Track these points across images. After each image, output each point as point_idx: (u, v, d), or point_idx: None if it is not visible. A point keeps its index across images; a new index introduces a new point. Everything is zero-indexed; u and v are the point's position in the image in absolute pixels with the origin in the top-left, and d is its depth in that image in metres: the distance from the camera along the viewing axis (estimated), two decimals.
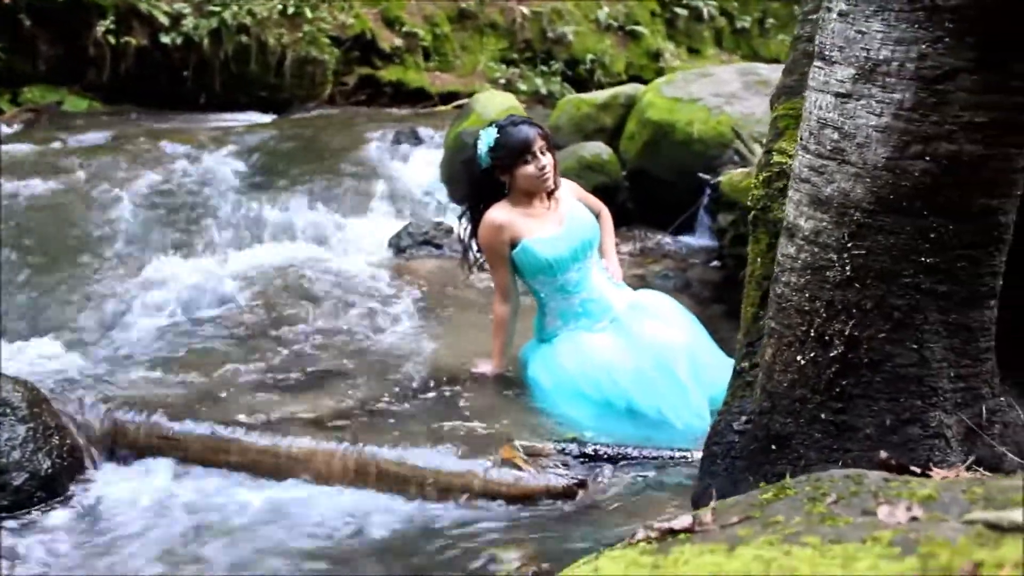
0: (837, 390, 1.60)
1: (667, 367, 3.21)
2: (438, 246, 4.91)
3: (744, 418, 2.04)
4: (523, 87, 7.85)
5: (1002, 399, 1.60)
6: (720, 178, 4.61)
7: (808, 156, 1.59)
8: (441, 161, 5.93)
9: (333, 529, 2.57)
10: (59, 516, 2.48)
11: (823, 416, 1.62)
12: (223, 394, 3.07)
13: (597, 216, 3.64)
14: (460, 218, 3.45)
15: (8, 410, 2.48)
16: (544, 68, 8.11)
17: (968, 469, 1.53)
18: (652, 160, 5.65)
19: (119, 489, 2.65)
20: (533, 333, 3.50)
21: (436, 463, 2.74)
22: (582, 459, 2.88)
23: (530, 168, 3.24)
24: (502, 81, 7.88)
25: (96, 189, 4.84)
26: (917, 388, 1.55)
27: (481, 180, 3.34)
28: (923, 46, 1.41)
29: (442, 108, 7.59)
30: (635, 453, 2.90)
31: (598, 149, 5.70)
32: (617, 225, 5.66)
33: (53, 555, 2.38)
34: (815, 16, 2.23)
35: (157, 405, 2.90)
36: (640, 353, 3.25)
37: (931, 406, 1.55)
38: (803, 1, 2.40)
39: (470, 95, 7.60)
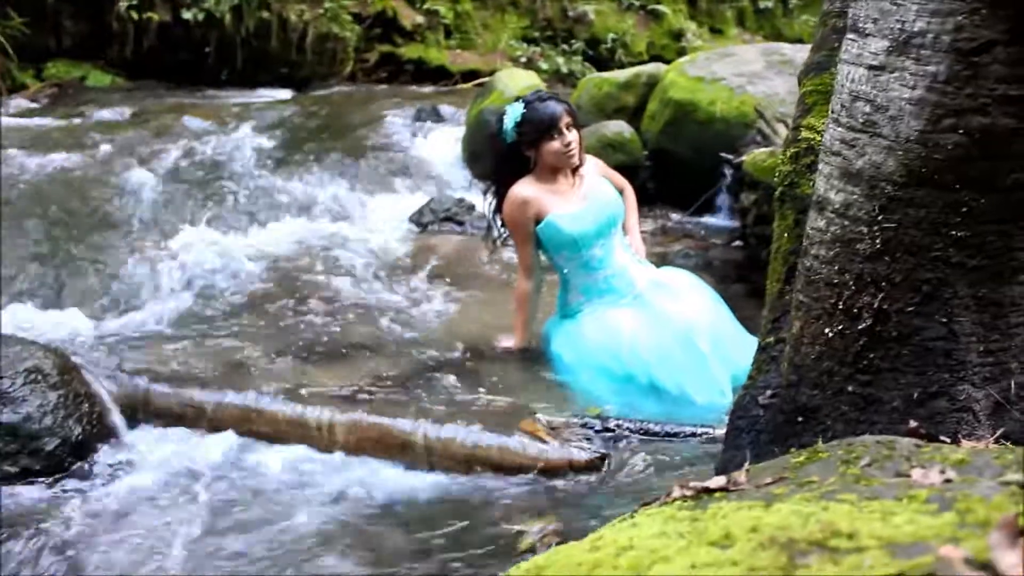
0: (864, 363, 1.61)
1: (690, 343, 3.22)
2: (460, 223, 4.93)
3: (769, 392, 2.05)
4: (544, 66, 7.83)
5: None
6: (743, 157, 4.59)
7: (840, 129, 1.59)
8: (463, 138, 5.94)
9: (358, 499, 2.61)
10: (89, 480, 2.53)
11: (850, 389, 1.62)
12: (248, 365, 3.12)
13: (620, 193, 3.65)
14: (484, 193, 3.46)
15: (40, 376, 2.52)
16: (565, 47, 8.08)
17: (996, 442, 1.54)
18: (674, 139, 5.63)
19: (146, 454, 2.69)
20: (556, 309, 3.52)
21: (459, 436, 2.77)
22: (604, 433, 2.90)
23: (556, 144, 3.25)
24: (523, 60, 7.86)
25: (119, 163, 4.89)
26: (945, 361, 1.55)
27: (506, 155, 3.35)
28: (960, 17, 1.41)
29: (463, 86, 7.59)
30: (657, 429, 2.92)
31: (619, 128, 5.69)
32: (638, 205, 5.71)
33: (84, 516, 2.43)
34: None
35: (183, 375, 2.94)
36: (663, 329, 3.27)
37: (959, 380, 1.55)
38: None
39: (491, 74, 7.58)
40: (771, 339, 2.14)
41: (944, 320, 1.54)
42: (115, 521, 2.43)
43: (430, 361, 3.32)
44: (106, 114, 5.78)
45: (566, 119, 3.27)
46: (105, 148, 5.11)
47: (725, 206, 5.52)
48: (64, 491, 2.47)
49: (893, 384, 1.59)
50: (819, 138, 2.17)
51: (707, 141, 5.47)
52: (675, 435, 2.92)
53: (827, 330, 1.64)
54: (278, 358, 3.20)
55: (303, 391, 2.94)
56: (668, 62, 7.78)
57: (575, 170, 3.37)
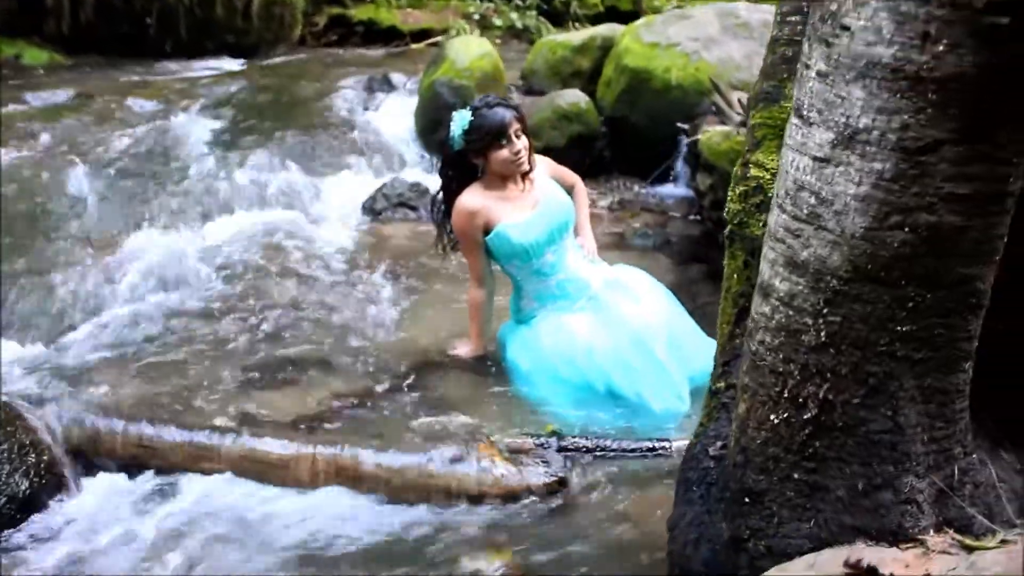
0: (810, 451, 1.59)
1: (646, 349, 3.20)
2: (413, 208, 4.84)
3: (719, 443, 2.04)
4: (498, 22, 7.63)
5: (974, 457, 1.60)
6: (698, 136, 4.53)
7: (784, 216, 1.55)
8: (415, 110, 5.80)
9: (316, 535, 2.57)
10: (38, 535, 2.48)
11: (796, 476, 1.61)
12: (200, 393, 3.06)
13: (571, 190, 3.58)
14: (432, 200, 3.38)
15: None
16: (519, 2, 7.87)
17: (938, 532, 1.54)
18: (629, 107, 5.55)
19: (99, 501, 2.63)
20: (510, 312, 3.48)
21: (415, 464, 2.74)
22: (562, 453, 2.90)
23: (504, 152, 3.17)
24: (476, 16, 7.65)
25: (61, 158, 4.70)
26: (890, 454, 1.54)
27: (454, 162, 3.26)
28: (905, 116, 1.35)
29: (416, 46, 7.38)
30: (614, 446, 2.92)
31: (575, 98, 5.58)
32: (595, 175, 5.65)
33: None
34: (794, 18, 2.15)
35: (133, 409, 2.88)
36: (619, 335, 3.24)
37: (904, 471, 1.54)
38: (782, 3, 2.31)
39: (444, 31, 7.40)
40: (721, 384, 2.13)
41: (890, 413, 1.53)
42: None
43: (385, 376, 3.27)
44: (45, 97, 5.53)
45: (515, 126, 3.18)
46: (45, 139, 4.92)
47: (682, 175, 5.48)
48: (12, 547, 2.42)
49: (838, 473, 1.58)
50: (768, 176, 2.13)
51: (663, 110, 5.39)
52: (632, 451, 2.92)
53: (772, 416, 1.62)
54: (231, 381, 3.14)
55: (257, 421, 2.90)
56: (624, 15, 7.65)
57: (525, 175, 3.29)
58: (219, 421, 2.88)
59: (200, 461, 2.74)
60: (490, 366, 3.40)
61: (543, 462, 2.84)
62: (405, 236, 4.55)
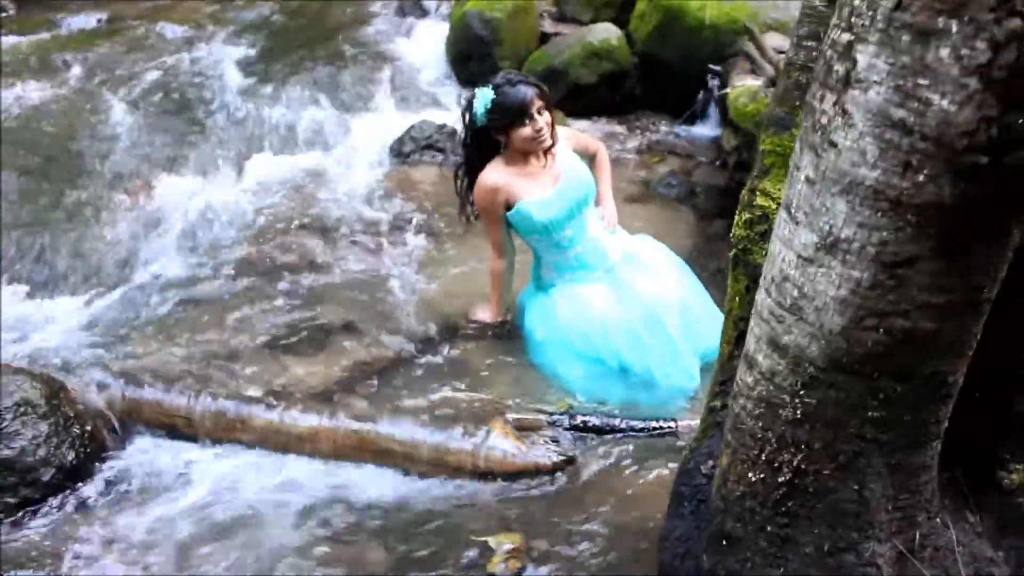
0: (783, 509, 1.72)
1: (659, 325, 3.31)
2: (440, 150, 4.88)
3: (712, 462, 2.18)
4: None
5: (937, 520, 1.72)
6: (727, 90, 4.48)
7: (770, 301, 1.62)
8: (446, 40, 5.76)
9: (339, 508, 2.78)
10: (85, 501, 2.71)
11: (769, 528, 1.74)
12: (230, 360, 3.22)
13: (593, 158, 3.62)
14: (455, 173, 3.44)
15: (29, 408, 2.65)
16: None
17: None
18: (661, 45, 5.48)
19: (138, 467, 2.86)
20: (530, 277, 3.58)
21: (431, 440, 2.92)
22: (571, 431, 3.06)
23: (526, 130, 3.21)
24: None
25: (93, 92, 4.79)
26: (855, 521, 1.66)
27: (477, 138, 3.31)
28: (885, 233, 1.41)
29: None
30: (622, 425, 3.07)
31: (607, 34, 5.51)
32: (624, 112, 5.63)
33: (81, 536, 2.63)
34: (810, 43, 2.16)
35: (167, 377, 3.06)
36: (633, 310, 3.34)
37: (866, 537, 1.67)
38: (799, 23, 2.30)
39: None
40: (717, 403, 2.24)
41: (856, 487, 1.64)
42: (106, 541, 2.62)
43: (408, 343, 3.42)
44: (75, 23, 5.57)
45: (537, 104, 3.21)
46: (77, 71, 4.99)
47: (712, 116, 5.44)
48: (63, 515, 2.66)
49: (808, 531, 1.71)
50: (773, 206, 2.18)
51: (695, 48, 5.32)
52: (639, 430, 3.07)
53: (751, 475, 1.74)
54: (259, 347, 3.30)
55: (284, 391, 3.07)
56: None
57: (547, 151, 3.33)
58: (249, 391, 3.05)
59: (230, 432, 2.94)
60: (509, 332, 3.53)
61: (553, 440, 3.01)
62: (432, 182, 4.61)
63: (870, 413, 1.58)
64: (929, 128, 1.31)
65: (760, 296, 1.67)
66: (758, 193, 2.25)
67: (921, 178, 1.35)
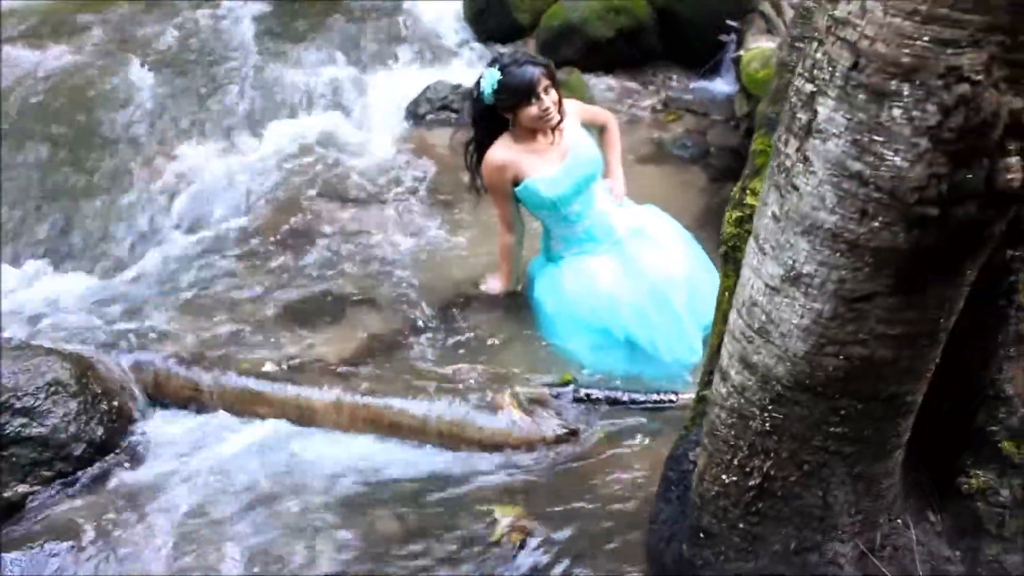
0: (754, 509, 1.84)
1: (665, 300, 3.40)
2: (456, 111, 4.93)
3: (700, 449, 2.30)
4: None
5: (899, 521, 1.83)
6: (741, 52, 4.47)
7: (741, 322, 1.72)
8: None
9: (350, 479, 2.94)
10: (113, 473, 2.89)
11: (741, 526, 1.87)
12: (249, 334, 3.37)
13: (602, 130, 3.68)
14: (465, 148, 3.51)
15: (60, 388, 2.82)
16: None
17: None
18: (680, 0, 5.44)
19: (164, 441, 3.03)
20: (540, 247, 3.68)
21: (439, 413, 3.06)
22: (576, 403, 3.19)
23: (533, 109, 3.27)
24: None
25: (110, 55, 4.87)
26: (819, 524, 1.78)
27: (485, 116, 3.38)
28: (844, 272, 1.49)
29: None
30: (625, 398, 3.19)
31: None
32: (641, 65, 5.62)
33: (110, 507, 2.82)
34: (802, 45, 2.20)
35: (189, 351, 3.22)
36: (640, 284, 3.43)
37: (830, 539, 1.79)
38: (793, 24, 2.33)
39: None
40: (707, 392, 2.35)
41: (820, 493, 1.76)
42: (133, 510, 2.80)
43: (420, 315, 3.54)
44: None
45: (544, 83, 3.26)
46: (97, 34, 5.07)
47: (729, 71, 5.42)
48: (95, 487, 2.85)
49: (776, 531, 1.83)
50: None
51: (714, 2, 5.27)
52: (641, 403, 3.19)
53: (724, 477, 1.86)
54: (277, 321, 3.44)
55: (301, 365, 3.22)
56: None
57: (554, 128, 3.39)
58: (267, 365, 3.20)
59: (251, 406, 3.10)
60: (519, 302, 3.64)
61: (557, 413, 3.14)
62: (446, 145, 4.66)
63: (832, 428, 1.68)
64: (883, 181, 1.38)
65: (732, 317, 1.76)
66: (748, 192, 2.31)
67: (876, 224, 1.42)
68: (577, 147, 3.42)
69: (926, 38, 1.25)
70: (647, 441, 3.06)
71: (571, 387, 3.21)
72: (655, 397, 3.19)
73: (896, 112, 1.32)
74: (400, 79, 5.20)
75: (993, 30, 1.25)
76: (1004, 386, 1.80)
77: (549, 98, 3.28)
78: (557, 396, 3.18)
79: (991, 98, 1.28)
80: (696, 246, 3.60)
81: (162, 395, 3.12)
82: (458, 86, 4.96)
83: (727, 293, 2.35)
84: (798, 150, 1.47)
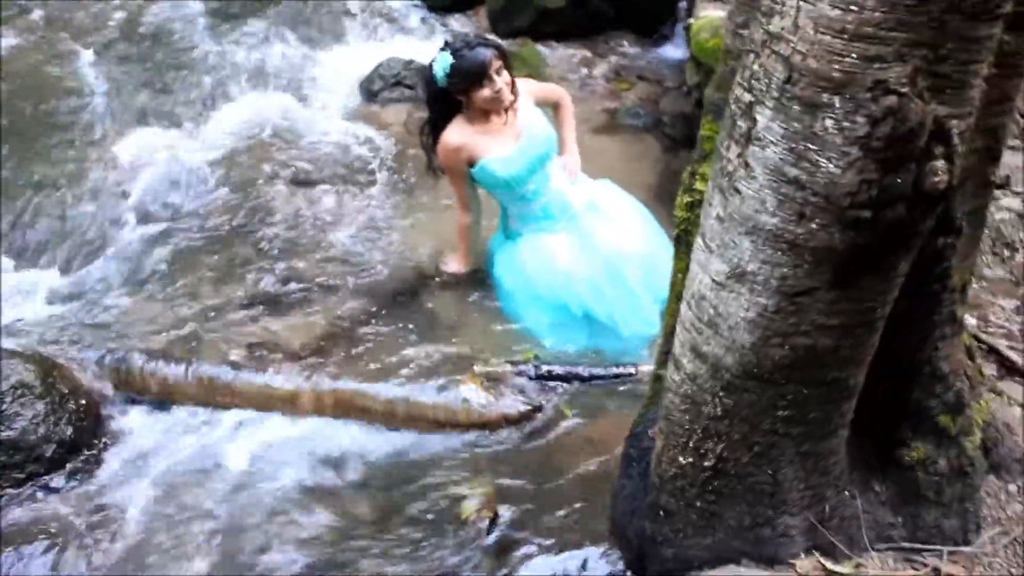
0: (710, 488, 1.94)
1: (620, 275, 3.48)
2: (410, 87, 4.93)
3: (658, 427, 2.39)
4: None
5: (845, 493, 1.94)
6: (691, 20, 4.52)
7: (691, 314, 1.79)
8: None
9: (322, 464, 3.00)
10: (84, 471, 2.92)
11: (698, 504, 1.97)
12: (212, 323, 3.38)
13: (556, 107, 3.72)
14: (421, 131, 3.54)
15: (26, 390, 2.84)
16: None
17: (808, 556, 1.92)
18: None
19: (133, 436, 3.07)
20: (498, 224, 3.73)
21: (405, 396, 3.13)
22: (537, 380, 3.27)
23: (486, 92, 3.31)
24: None
25: (53, 41, 4.79)
26: (770, 500, 1.88)
27: (439, 98, 3.40)
28: (785, 269, 1.57)
29: None
30: (585, 373, 3.28)
31: None
32: (594, 33, 5.64)
33: (81, 504, 2.85)
34: (745, 32, 2.26)
35: (152, 345, 3.24)
36: (595, 260, 3.51)
37: (781, 513, 1.89)
38: (734, 12, 2.38)
39: None
40: (663, 371, 2.43)
41: (771, 472, 1.86)
42: (106, 508, 2.83)
43: (382, 297, 3.58)
44: None
45: (496, 64, 3.29)
46: (36, 18, 4.98)
47: (681, 37, 5.47)
48: (66, 486, 2.88)
49: (730, 508, 1.94)
50: None
51: None
52: (601, 378, 3.28)
53: (680, 459, 1.95)
54: (239, 309, 3.45)
55: (265, 354, 3.25)
56: None
57: (507, 108, 3.43)
58: (232, 354, 3.24)
59: (218, 396, 3.15)
60: (479, 280, 3.70)
61: (520, 390, 3.22)
62: (402, 122, 4.68)
63: (780, 412, 1.78)
64: (819, 186, 1.45)
65: (683, 308, 1.84)
66: (698, 177, 2.36)
67: (814, 226, 1.50)
68: (531, 126, 3.46)
69: (854, 55, 1.32)
70: (608, 415, 3.14)
71: (532, 364, 3.28)
72: (615, 371, 3.29)
73: (828, 123, 1.39)
74: (352, 55, 5.19)
75: (917, 45, 1.32)
76: (940, 364, 1.90)
77: (501, 79, 3.31)
78: (519, 373, 3.26)
79: (917, 108, 1.36)
80: (651, 220, 3.68)
81: (130, 390, 3.14)
82: (411, 62, 4.95)
83: (679, 275, 2.42)
84: (739, 156, 1.54)
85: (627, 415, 3.04)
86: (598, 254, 3.51)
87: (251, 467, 3.00)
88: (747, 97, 1.50)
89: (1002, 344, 2.58)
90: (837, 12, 1.31)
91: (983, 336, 2.56)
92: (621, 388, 3.26)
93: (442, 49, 3.32)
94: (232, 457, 3.03)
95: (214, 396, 3.15)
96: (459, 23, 5.58)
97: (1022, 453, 2.17)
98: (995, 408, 2.25)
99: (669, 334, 2.41)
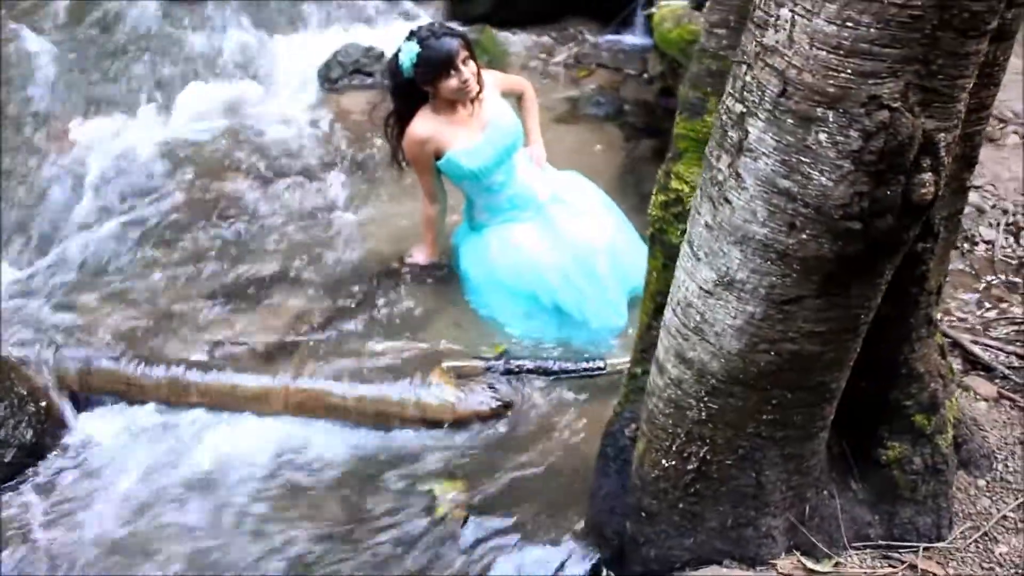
0: (692, 490, 1.95)
1: (588, 267, 3.48)
2: (369, 74, 4.86)
3: (634, 425, 2.40)
4: None
5: (825, 493, 1.98)
6: (653, 9, 4.51)
7: (676, 320, 1.80)
8: None
9: (290, 464, 2.96)
10: (45, 478, 2.85)
11: (681, 505, 1.98)
12: (174, 321, 3.31)
13: (520, 98, 3.70)
14: (386, 122, 3.48)
15: None
16: None
17: (789, 555, 1.95)
18: None
19: (96, 438, 2.99)
20: (463, 215, 3.70)
21: (374, 394, 3.09)
22: (507, 375, 3.26)
23: (452, 82, 3.27)
24: None
25: (4, 27, 4.61)
26: (753, 502, 1.90)
27: (405, 89, 3.35)
28: (774, 278, 1.58)
29: None
30: (555, 368, 3.27)
31: None
32: (554, 19, 5.61)
33: (46, 509, 2.78)
34: (720, 31, 2.26)
35: (113, 342, 3.16)
36: (563, 250, 3.50)
37: (763, 515, 1.92)
38: (709, 10, 2.38)
39: None
40: (638, 369, 2.44)
41: (754, 474, 1.88)
42: (70, 513, 2.76)
43: (347, 292, 3.53)
44: None
45: (462, 54, 3.26)
46: None
47: (641, 23, 5.47)
48: (29, 491, 2.80)
49: (713, 509, 1.95)
50: (687, 189, 2.32)
51: None
52: (570, 372, 3.28)
53: (664, 461, 1.97)
54: (201, 306, 3.38)
55: (229, 351, 3.20)
56: None
57: (474, 99, 3.39)
58: (193, 350, 3.17)
59: (184, 396, 3.08)
60: (445, 272, 3.67)
61: (490, 386, 3.21)
62: (362, 110, 4.61)
63: (765, 416, 1.79)
64: (811, 198, 1.46)
65: (668, 314, 1.84)
66: (673, 176, 2.36)
67: (804, 236, 1.51)
68: (497, 117, 3.44)
69: (849, 70, 1.32)
70: (579, 410, 3.15)
71: (502, 359, 3.27)
72: (584, 366, 3.29)
73: (822, 136, 1.40)
74: (308, 41, 5.10)
75: (909, 61, 1.33)
76: (916, 365, 1.94)
77: (468, 69, 3.28)
78: (489, 368, 3.25)
79: (908, 122, 1.37)
80: (617, 211, 3.68)
81: (92, 390, 3.06)
82: (370, 48, 4.88)
83: (655, 273, 2.42)
84: (730, 166, 1.54)
85: (597, 409, 3.10)
86: (566, 244, 3.50)
87: (217, 468, 2.94)
88: (739, 108, 1.50)
89: (966, 339, 2.64)
90: (833, 28, 1.31)
91: (948, 331, 2.61)
92: (591, 383, 3.27)
93: (408, 39, 3.27)
94: (197, 458, 2.97)
95: (178, 395, 3.08)
96: (417, 8, 5.51)
97: (989, 449, 2.22)
98: (962, 404, 2.30)
99: (645, 330, 2.42)
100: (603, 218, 3.62)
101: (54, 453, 2.90)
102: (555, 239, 3.53)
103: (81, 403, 3.05)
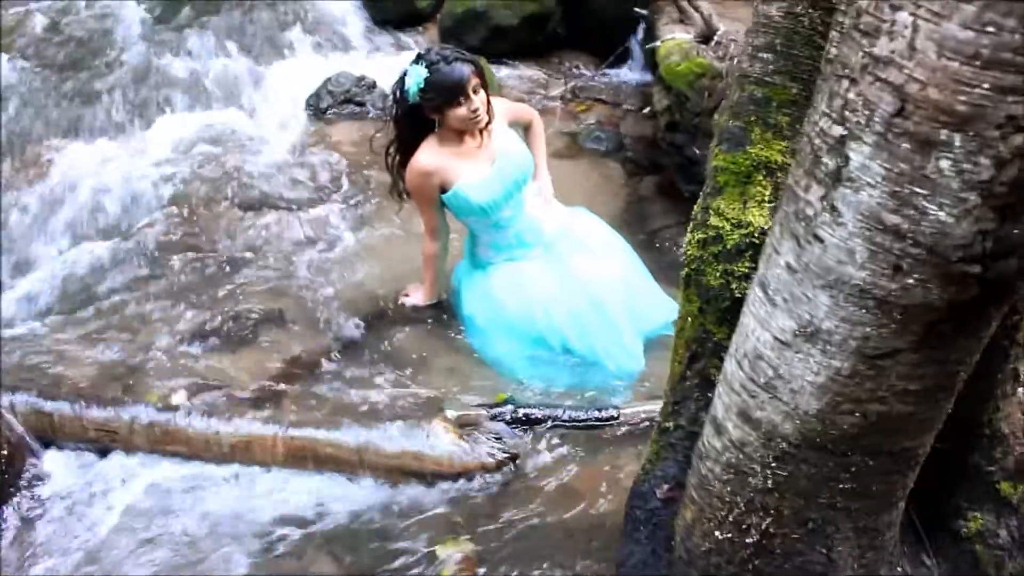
0: (750, 567, 1.72)
1: (602, 308, 3.27)
2: (360, 103, 4.66)
3: (667, 486, 2.17)
4: None
5: (898, 569, 1.75)
6: (657, 44, 4.36)
7: (741, 374, 1.58)
8: None
9: (279, 519, 2.70)
10: (7, 529, 2.57)
11: None
12: (154, 362, 3.05)
13: (527, 128, 3.50)
14: (387, 151, 3.27)
15: None
16: None
17: None
18: None
19: (64, 485, 2.71)
20: (464, 251, 3.48)
21: (371, 443, 2.83)
22: (513, 424, 3.02)
23: (462, 110, 3.06)
24: None
25: None
26: None
27: (410, 116, 3.14)
28: (868, 328, 1.37)
29: None
30: (564, 416, 3.04)
31: None
32: (548, 54, 5.46)
33: (8, 562, 2.50)
34: (766, 55, 2.08)
35: (88, 386, 2.89)
36: (575, 291, 3.29)
37: None
38: (753, 32, 2.20)
39: None
40: (670, 424, 2.22)
41: (824, 550, 1.65)
42: (28, 567, 2.49)
43: (339, 334, 3.29)
44: None
45: (473, 81, 3.06)
46: None
47: (638, 58, 5.33)
48: None
49: None
50: (728, 227, 2.13)
51: None
52: (581, 422, 3.05)
53: (717, 533, 1.74)
54: (184, 346, 3.13)
55: (213, 397, 2.93)
56: None
57: (483, 129, 3.19)
58: (176, 397, 2.90)
59: (161, 444, 2.80)
60: (445, 313, 3.44)
61: (495, 436, 2.96)
62: (352, 141, 4.40)
63: (841, 485, 1.58)
64: (924, 236, 1.25)
65: (731, 366, 1.63)
66: (711, 212, 2.17)
67: (911, 281, 1.30)
68: (507, 149, 3.24)
69: (986, 84, 1.12)
70: (590, 462, 2.93)
71: (508, 407, 3.04)
72: (596, 415, 3.05)
73: (944, 164, 1.19)
74: (298, 70, 4.89)
75: None
76: (1000, 425, 1.74)
77: (479, 98, 3.08)
78: (494, 417, 3.01)
79: None
80: (629, 248, 3.49)
81: (59, 437, 2.78)
82: (362, 78, 4.68)
83: (689, 319, 2.21)
84: (823, 198, 1.33)
85: (610, 462, 2.88)
86: (576, 284, 3.29)
87: (199, 525, 2.67)
88: (837, 131, 1.29)
89: None
90: (969, 34, 1.11)
91: None
92: (603, 431, 3.04)
93: (415, 62, 3.06)
94: (177, 512, 2.69)
95: (155, 443, 2.80)
96: (409, 38, 5.33)
97: None
98: None
99: (677, 382, 2.21)
100: (615, 256, 3.43)
101: (15, 505, 2.61)
102: (564, 278, 3.32)
103: (47, 450, 2.76)
